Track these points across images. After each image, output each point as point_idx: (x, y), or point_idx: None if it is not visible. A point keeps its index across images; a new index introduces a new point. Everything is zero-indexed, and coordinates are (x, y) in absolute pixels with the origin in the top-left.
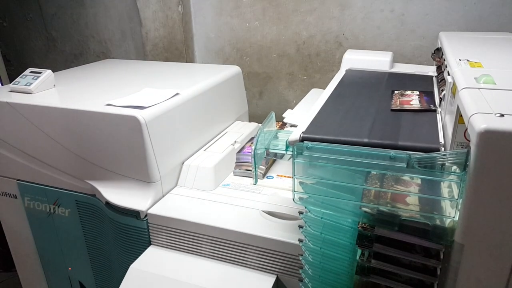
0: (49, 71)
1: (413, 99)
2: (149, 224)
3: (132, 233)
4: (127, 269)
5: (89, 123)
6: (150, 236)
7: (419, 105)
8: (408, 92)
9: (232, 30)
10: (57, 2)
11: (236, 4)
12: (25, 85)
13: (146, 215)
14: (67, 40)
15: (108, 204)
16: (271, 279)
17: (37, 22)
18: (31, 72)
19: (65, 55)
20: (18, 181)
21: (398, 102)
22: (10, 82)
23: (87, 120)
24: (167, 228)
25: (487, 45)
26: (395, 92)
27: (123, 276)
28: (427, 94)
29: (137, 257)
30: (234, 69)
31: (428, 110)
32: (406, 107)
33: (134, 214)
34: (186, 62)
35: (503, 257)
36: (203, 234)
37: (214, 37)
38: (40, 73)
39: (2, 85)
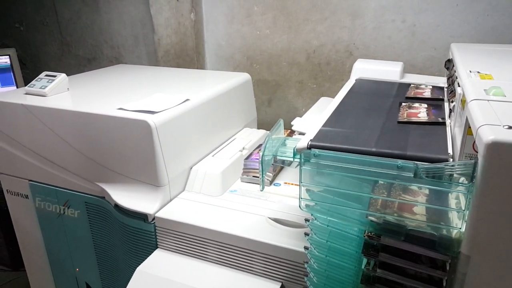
0: (64, 74)
1: (421, 112)
2: (156, 228)
3: (139, 236)
4: (134, 272)
5: (101, 126)
6: (157, 239)
7: (426, 118)
8: (416, 105)
9: (243, 38)
10: (72, 8)
11: (248, 12)
12: (40, 88)
13: (153, 219)
14: (81, 45)
15: (117, 206)
16: (276, 286)
17: (52, 27)
18: (46, 75)
19: (79, 59)
20: (30, 182)
21: (405, 114)
22: (26, 85)
23: (99, 124)
24: (174, 232)
25: (498, 57)
26: (403, 104)
27: (129, 279)
28: (435, 107)
29: (144, 260)
30: (244, 76)
31: (436, 123)
32: (414, 119)
33: (142, 217)
34: (197, 68)
35: (509, 269)
36: (209, 239)
37: (225, 45)
38: (54, 76)
39: (17, 87)
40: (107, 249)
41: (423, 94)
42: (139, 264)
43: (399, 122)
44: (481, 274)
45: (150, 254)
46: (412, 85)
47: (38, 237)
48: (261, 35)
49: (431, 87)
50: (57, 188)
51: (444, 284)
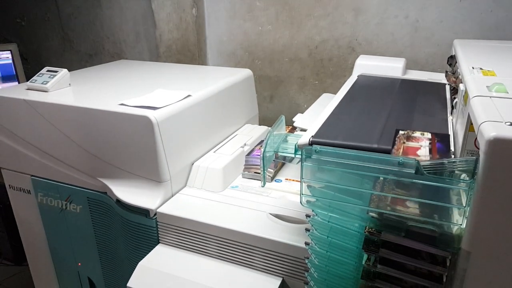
0: (65, 70)
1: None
2: (158, 223)
3: (141, 231)
4: (135, 266)
5: (103, 122)
6: (159, 235)
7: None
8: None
9: (245, 33)
10: (74, 3)
11: (250, 7)
12: (42, 83)
13: (155, 214)
14: (83, 40)
15: (119, 201)
16: (276, 282)
17: (54, 22)
18: (48, 70)
19: (80, 55)
20: (32, 177)
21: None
22: (27, 80)
23: (100, 119)
24: (175, 227)
25: (502, 53)
26: (400, 132)
27: (131, 273)
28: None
29: (146, 255)
30: (246, 72)
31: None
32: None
33: (144, 212)
34: (199, 64)
35: (509, 265)
36: (211, 235)
37: (226, 40)
38: (56, 72)
39: (19, 83)
40: (109, 244)
41: (417, 152)
42: (141, 259)
43: None
44: (481, 270)
45: (152, 249)
46: (401, 132)
47: (41, 232)
48: (263, 31)
49: (430, 136)
50: (59, 183)
51: (444, 279)
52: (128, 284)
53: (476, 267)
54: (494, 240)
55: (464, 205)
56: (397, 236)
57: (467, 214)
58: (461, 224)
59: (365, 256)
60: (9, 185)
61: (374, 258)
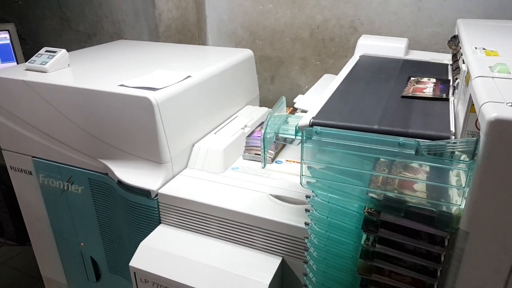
0: (64, 50)
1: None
2: (159, 203)
3: (143, 212)
4: (137, 246)
5: (102, 103)
6: (160, 215)
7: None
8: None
9: (246, 12)
10: None
11: None
12: (41, 64)
13: (156, 195)
14: (81, 20)
15: (120, 182)
16: (277, 261)
17: (52, 2)
18: (47, 51)
19: (79, 35)
20: (34, 158)
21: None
22: (26, 61)
23: (100, 100)
24: (176, 208)
25: (506, 33)
26: (411, 79)
27: (133, 253)
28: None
29: (147, 235)
30: (246, 53)
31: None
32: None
33: (145, 193)
34: (199, 44)
35: (507, 246)
36: (212, 215)
37: (227, 20)
38: (55, 52)
39: (18, 63)
40: (111, 224)
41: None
42: (143, 239)
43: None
44: (478, 250)
45: (154, 229)
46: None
47: (43, 213)
48: (264, 10)
49: (434, 80)
50: (60, 165)
51: (442, 259)
52: (130, 264)
53: (474, 247)
54: (492, 220)
55: (464, 185)
56: (396, 216)
57: (466, 194)
58: (460, 205)
59: (364, 236)
60: (11, 166)
61: (373, 238)
